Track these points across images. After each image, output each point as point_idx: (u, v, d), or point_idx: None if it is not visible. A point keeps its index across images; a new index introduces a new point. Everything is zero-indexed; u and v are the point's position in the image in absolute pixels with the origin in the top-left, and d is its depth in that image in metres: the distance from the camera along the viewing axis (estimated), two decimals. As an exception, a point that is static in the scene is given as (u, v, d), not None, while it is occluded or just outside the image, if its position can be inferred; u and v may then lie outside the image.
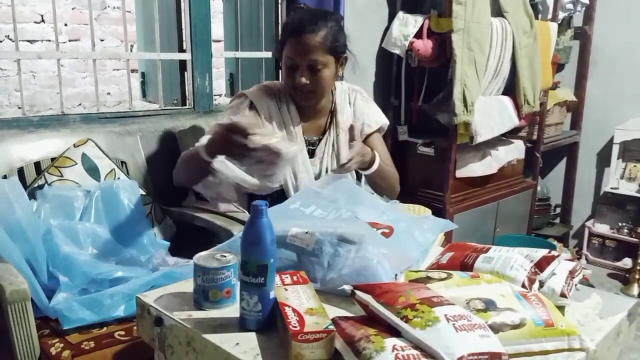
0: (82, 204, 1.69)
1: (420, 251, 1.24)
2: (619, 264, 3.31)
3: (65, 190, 1.68)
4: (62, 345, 1.32)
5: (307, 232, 1.12)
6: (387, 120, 1.82)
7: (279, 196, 1.64)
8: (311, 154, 1.70)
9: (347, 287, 0.97)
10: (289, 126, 1.64)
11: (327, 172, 1.70)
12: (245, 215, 1.75)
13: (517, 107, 2.74)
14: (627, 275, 3.15)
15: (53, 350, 1.31)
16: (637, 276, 3.04)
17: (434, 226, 1.33)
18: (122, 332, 1.38)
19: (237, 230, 1.70)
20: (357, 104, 1.75)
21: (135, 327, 1.33)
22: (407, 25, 2.56)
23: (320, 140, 1.71)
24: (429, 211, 2.39)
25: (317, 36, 1.53)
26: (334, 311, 0.96)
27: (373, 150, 1.67)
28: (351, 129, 1.73)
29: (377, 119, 1.78)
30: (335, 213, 1.24)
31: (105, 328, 1.39)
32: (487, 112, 2.57)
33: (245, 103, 1.63)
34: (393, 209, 1.32)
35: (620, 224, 3.33)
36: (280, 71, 2.08)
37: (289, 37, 1.53)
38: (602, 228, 3.39)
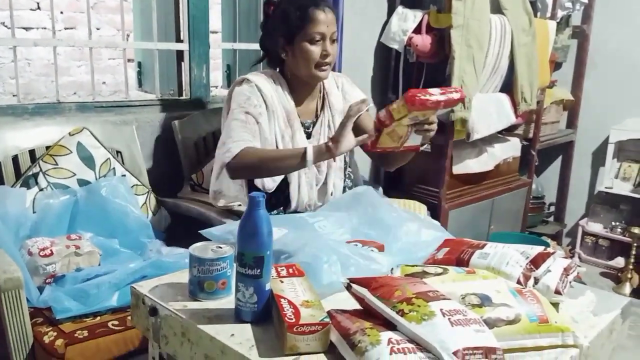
0: (69, 211, 1.69)
1: None
2: (611, 263, 3.33)
3: (53, 197, 1.68)
4: (55, 334, 1.31)
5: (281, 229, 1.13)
6: (372, 103, 1.89)
7: (285, 186, 1.67)
8: (307, 135, 1.74)
9: (343, 280, 0.97)
10: (287, 109, 1.69)
11: None
12: (240, 208, 1.75)
13: (514, 104, 2.74)
14: (619, 274, 3.17)
15: (46, 339, 1.30)
16: (629, 275, 3.06)
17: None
18: (116, 322, 1.37)
19: (232, 222, 1.70)
20: (345, 88, 1.84)
21: (129, 317, 1.33)
22: (406, 20, 2.55)
23: (314, 123, 1.76)
24: (424, 207, 2.40)
25: (332, 11, 1.65)
26: (329, 304, 0.96)
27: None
28: (349, 109, 1.76)
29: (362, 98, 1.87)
30: (339, 229, 1.28)
31: (99, 318, 1.39)
32: (484, 109, 2.57)
33: (253, 84, 1.66)
34: (402, 236, 1.32)
35: (613, 224, 3.35)
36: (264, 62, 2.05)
37: (314, 11, 1.60)
38: (596, 227, 3.41)
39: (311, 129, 1.76)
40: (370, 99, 1.87)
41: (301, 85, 1.71)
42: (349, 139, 1.46)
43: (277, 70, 1.74)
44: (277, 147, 1.65)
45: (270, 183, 1.65)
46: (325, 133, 1.77)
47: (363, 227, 1.33)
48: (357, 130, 1.82)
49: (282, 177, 1.66)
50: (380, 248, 1.22)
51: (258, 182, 1.65)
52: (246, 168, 1.56)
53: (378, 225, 1.33)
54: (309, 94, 1.75)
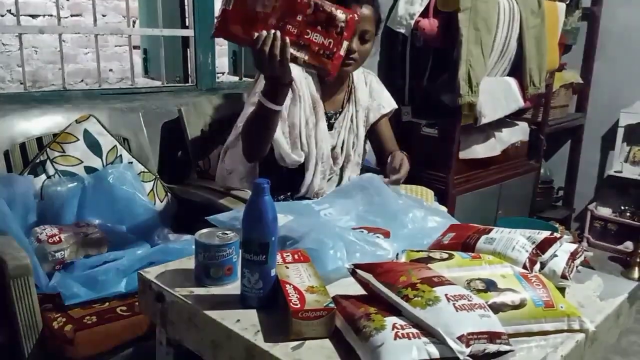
0: (77, 200, 1.70)
1: None
2: (620, 247, 3.31)
3: (60, 185, 1.68)
4: (64, 319, 1.33)
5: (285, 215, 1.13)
6: (396, 105, 1.92)
7: (300, 168, 1.68)
8: (329, 126, 1.74)
9: (348, 266, 0.97)
10: (314, 96, 1.68)
11: (343, 144, 1.77)
12: (246, 194, 1.75)
13: (523, 88, 2.71)
14: (628, 258, 3.15)
15: (55, 325, 1.32)
16: (638, 259, 3.04)
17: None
18: (124, 308, 1.39)
19: (238, 208, 1.71)
20: (373, 86, 1.84)
21: (136, 303, 1.34)
22: (413, 3, 2.52)
23: (339, 114, 1.76)
24: (431, 192, 2.39)
25: (372, 8, 1.60)
26: (334, 289, 0.96)
27: (400, 152, 1.75)
28: (368, 110, 1.82)
29: (390, 102, 1.89)
30: (344, 216, 1.29)
31: (107, 303, 1.40)
32: (492, 93, 2.54)
33: None
34: (408, 223, 1.31)
35: (622, 208, 3.33)
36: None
37: (351, 3, 1.54)
38: (605, 211, 3.39)
39: (334, 119, 1.75)
40: (395, 105, 1.91)
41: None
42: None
43: None
44: (300, 132, 1.64)
45: (294, 158, 1.63)
46: (347, 126, 1.77)
47: (368, 214, 1.32)
48: (372, 132, 1.85)
49: (302, 156, 1.65)
50: (386, 234, 1.22)
51: (280, 159, 1.64)
52: (245, 140, 1.54)
53: (384, 212, 1.32)
54: (336, 85, 1.73)
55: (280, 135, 1.61)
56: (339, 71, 1.47)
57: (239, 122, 1.63)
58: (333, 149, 1.75)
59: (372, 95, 1.83)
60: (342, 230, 1.16)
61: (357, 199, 1.38)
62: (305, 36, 1.29)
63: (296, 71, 1.61)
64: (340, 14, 1.30)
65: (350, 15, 1.32)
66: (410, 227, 1.28)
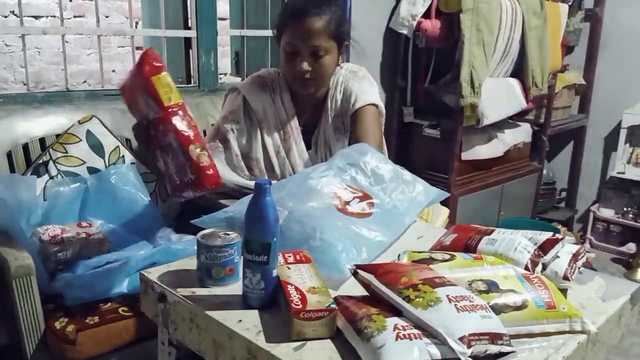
0: (79, 200, 1.70)
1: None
2: (623, 248, 3.30)
3: (63, 185, 1.69)
4: (66, 320, 1.33)
5: (280, 209, 1.09)
6: (378, 100, 1.62)
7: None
8: (308, 144, 1.62)
9: (350, 267, 0.97)
10: (283, 118, 1.58)
11: (324, 159, 1.61)
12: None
13: (525, 89, 2.71)
14: (630, 260, 3.14)
15: (58, 325, 1.32)
16: (640, 261, 3.04)
17: (423, 198, 1.33)
18: (126, 308, 1.39)
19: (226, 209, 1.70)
20: (348, 84, 1.60)
21: (139, 304, 1.34)
22: (415, 4, 2.53)
23: (317, 127, 1.63)
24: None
25: (322, 20, 1.43)
26: (336, 290, 0.96)
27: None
28: (342, 117, 1.62)
29: (361, 97, 1.59)
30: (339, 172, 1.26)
31: (109, 304, 1.40)
32: (494, 94, 2.54)
33: (239, 98, 1.57)
34: (393, 186, 1.30)
35: (625, 209, 3.32)
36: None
37: (291, 20, 1.43)
38: (607, 213, 3.38)
39: (312, 135, 1.63)
40: (374, 100, 1.62)
41: None
42: None
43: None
44: (271, 163, 1.57)
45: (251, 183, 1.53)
46: (322, 140, 1.61)
47: (350, 169, 1.28)
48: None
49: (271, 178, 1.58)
50: (365, 197, 1.22)
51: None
52: None
53: (371, 176, 1.29)
54: (310, 99, 1.59)
55: (227, 173, 1.53)
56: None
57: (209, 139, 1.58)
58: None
59: (344, 95, 1.59)
60: (344, 223, 1.14)
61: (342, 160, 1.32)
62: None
63: (258, 98, 1.55)
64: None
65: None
66: (395, 197, 1.27)
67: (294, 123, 1.59)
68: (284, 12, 1.47)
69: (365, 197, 1.24)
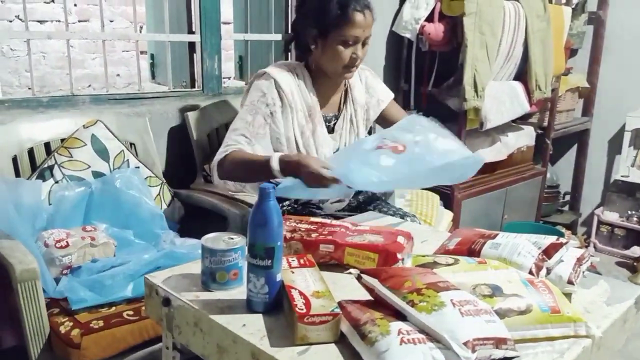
0: (84, 205, 1.71)
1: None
2: (627, 252, 3.29)
3: (68, 189, 1.70)
4: (71, 324, 1.33)
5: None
6: (393, 94, 1.91)
7: None
8: (329, 130, 1.72)
9: (354, 271, 0.97)
10: (308, 102, 1.67)
11: (345, 146, 1.75)
12: (252, 198, 1.75)
13: (529, 92, 2.71)
14: (635, 263, 3.13)
15: (62, 329, 1.32)
16: (645, 264, 3.03)
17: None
18: (131, 312, 1.39)
19: (245, 213, 1.71)
20: (369, 82, 1.82)
21: (143, 307, 1.35)
22: (418, 8, 2.53)
23: (337, 116, 1.75)
24: (437, 197, 2.39)
25: (372, 13, 1.61)
26: (340, 294, 0.97)
27: None
28: (367, 107, 1.82)
29: (387, 94, 1.87)
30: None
31: (114, 308, 1.40)
32: (497, 98, 2.54)
33: (271, 80, 1.63)
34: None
35: (629, 212, 3.31)
36: (289, 53, 2.07)
37: (355, 13, 1.56)
38: (612, 216, 3.37)
39: (333, 123, 1.73)
40: (392, 94, 1.90)
41: (325, 79, 1.68)
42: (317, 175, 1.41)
43: (303, 61, 1.71)
44: (296, 143, 1.64)
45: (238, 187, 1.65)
46: (347, 128, 1.75)
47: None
48: (383, 120, 1.85)
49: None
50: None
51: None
52: (227, 173, 1.55)
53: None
54: (332, 87, 1.72)
55: (291, 136, 1.64)
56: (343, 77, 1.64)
57: (227, 134, 1.61)
58: (336, 151, 1.73)
59: (368, 92, 1.81)
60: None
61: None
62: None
63: (287, 80, 1.63)
64: None
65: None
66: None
67: (317, 108, 1.69)
68: (344, 6, 1.57)
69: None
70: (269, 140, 1.60)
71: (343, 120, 1.74)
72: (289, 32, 1.78)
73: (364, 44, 1.62)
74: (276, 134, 1.62)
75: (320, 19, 1.58)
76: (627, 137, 3.24)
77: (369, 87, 1.81)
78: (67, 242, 1.52)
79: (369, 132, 1.85)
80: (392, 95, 1.87)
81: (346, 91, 1.76)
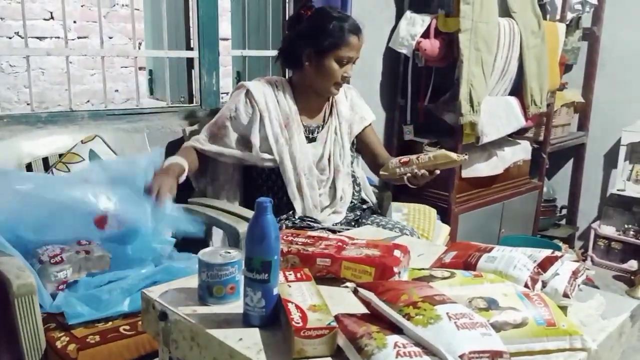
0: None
1: None
2: (624, 266, 3.29)
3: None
4: (67, 339, 1.33)
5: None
6: (374, 117, 2.03)
7: (277, 176, 1.80)
8: (310, 139, 1.83)
9: (350, 285, 0.98)
10: (285, 109, 1.78)
11: (330, 156, 1.85)
12: (250, 213, 1.76)
13: (524, 107, 2.73)
14: (632, 277, 3.14)
15: (59, 344, 1.32)
16: (642, 278, 3.03)
17: None
18: (127, 327, 1.39)
19: (243, 227, 1.72)
20: (354, 100, 1.95)
21: (140, 322, 1.34)
22: (415, 24, 2.56)
23: (321, 127, 1.86)
24: (434, 211, 2.40)
25: (362, 36, 1.76)
26: (336, 308, 0.97)
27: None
28: (351, 122, 1.92)
29: (370, 114, 1.99)
30: None
31: (110, 322, 1.40)
32: (493, 113, 2.56)
33: (243, 90, 1.78)
34: None
35: (626, 226, 3.32)
36: (286, 69, 2.12)
37: (349, 36, 1.71)
38: (608, 230, 3.38)
39: (316, 133, 1.84)
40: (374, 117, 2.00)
41: (309, 93, 1.80)
42: None
43: (286, 76, 1.85)
44: (272, 149, 1.76)
45: (265, 157, 1.79)
46: (332, 138, 1.85)
47: None
48: (362, 142, 1.94)
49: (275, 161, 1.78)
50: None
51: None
52: None
53: None
54: (316, 101, 1.84)
55: (257, 142, 1.77)
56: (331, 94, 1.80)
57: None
58: (320, 160, 1.82)
59: (353, 109, 1.92)
60: None
61: None
62: None
63: (262, 90, 1.77)
64: None
65: None
66: None
67: (296, 117, 1.79)
68: (342, 30, 1.70)
69: None
70: (230, 140, 1.79)
71: (327, 131, 1.85)
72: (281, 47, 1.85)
73: (353, 64, 1.76)
74: (247, 137, 1.77)
75: (318, 39, 1.70)
76: (622, 151, 3.26)
77: (354, 104, 1.93)
78: (61, 257, 1.51)
79: (352, 147, 1.94)
80: (374, 117, 2.00)
81: (332, 105, 1.88)
